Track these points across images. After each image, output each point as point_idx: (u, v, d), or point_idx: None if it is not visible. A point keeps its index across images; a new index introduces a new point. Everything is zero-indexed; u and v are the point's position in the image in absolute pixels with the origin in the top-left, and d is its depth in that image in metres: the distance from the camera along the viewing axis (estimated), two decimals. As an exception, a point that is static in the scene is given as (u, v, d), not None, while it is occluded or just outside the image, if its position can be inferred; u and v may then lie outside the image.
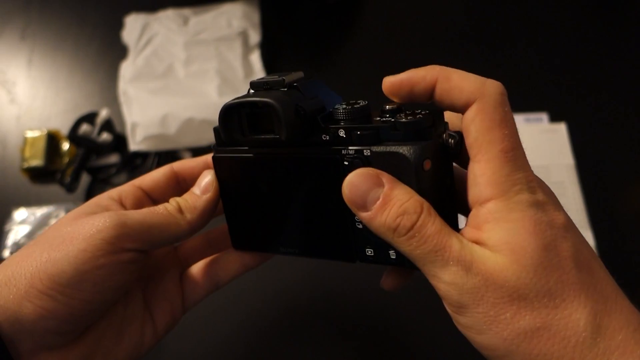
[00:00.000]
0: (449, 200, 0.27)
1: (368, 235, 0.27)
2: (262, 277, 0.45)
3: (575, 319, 0.22)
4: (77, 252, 0.26)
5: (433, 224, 0.23)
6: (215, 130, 0.31)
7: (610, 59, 0.63)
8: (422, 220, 0.23)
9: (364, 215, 0.25)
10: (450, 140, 0.25)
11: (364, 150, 0.25)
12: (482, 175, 0.24)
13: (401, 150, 0.24)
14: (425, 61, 0.69)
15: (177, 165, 0.35)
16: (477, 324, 0.23)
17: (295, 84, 0.27)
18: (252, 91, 0.28)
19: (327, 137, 0.27)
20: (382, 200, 0.24)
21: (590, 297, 0.22)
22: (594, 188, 0.53)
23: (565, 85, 0.61)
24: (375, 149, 0.25)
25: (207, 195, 0.31)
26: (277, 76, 0.28)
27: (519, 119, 0.58)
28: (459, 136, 0.25)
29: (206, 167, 0.34)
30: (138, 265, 0.29)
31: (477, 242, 0.24)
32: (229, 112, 0.28)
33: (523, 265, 0.22)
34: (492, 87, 0.25)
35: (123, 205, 0.32)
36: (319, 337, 0.48)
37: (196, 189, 0.32)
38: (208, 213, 0.31)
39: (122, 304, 0.31)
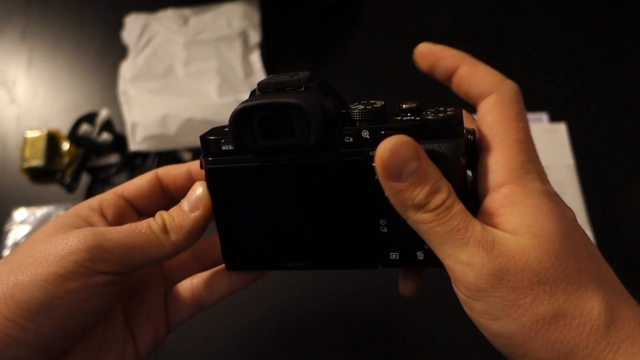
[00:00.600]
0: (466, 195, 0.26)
1: (394, 239, 0.26)
2: (262, 283, 0.45)
3: (590, 306, 0.22)
4: (47, 275, 0.24)
5: (459, 204, 0.23)
6: (203, 139, 0.28)
7: (611, 59, 0.63)
8: (451, 199, 0.23)
9: (394, 185, 0.23)
10: (470, 136, 0.26)
11: None
12: (497, 162, 0.24)
13: (439, 148, 0.24)
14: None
15: (161, 171, 0.32)
16: (493, 309, 0.22)
17: (310, 84, 0.26)
18: (259, 93, 0.26)
19: (350, 139, 0.25)
20: (418, 174, 0.23)
21: (602, 287, 0.22)
22: (594, 188, 0.53)
23: (565, 85, 0.61)
24: None
25: (196, 214, 0.28)
26: (288, 76, 0.26)
27: (519, 119, 0.58)
28: (474, 133, 0.26)
29: (190, 176, 0.31)
30: (116, 286, 0.27)
31: (493, 227, 0.24)
32: (242, 116, 0.25)
33: (545, 249, 0.22)
34: (510, 85, 0.26)
35: (104, 216, 0.30)
36: (320, 340, 0.48)
37: (185, 204, 0.28)
38: (196, 234, 0.28)
39: (101, 325, 0.29)
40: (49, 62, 0.69)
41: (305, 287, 0.50)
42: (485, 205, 0.25)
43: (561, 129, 0.57)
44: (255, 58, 0.63)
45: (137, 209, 0.32)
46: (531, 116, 0.58)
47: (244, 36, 0.64)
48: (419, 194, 0.23)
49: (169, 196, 0.32)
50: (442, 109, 0.25)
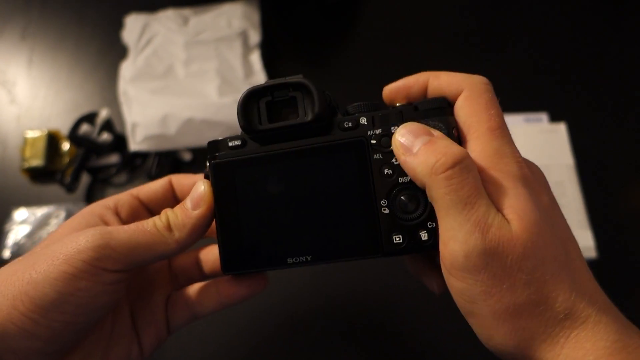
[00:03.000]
0: None
1: (396, 219, 0.26)
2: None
3: (555, 295, 0.22)
4: (58, 274, 0.25)
5: (475, 175, 0.23)
6: (212, 141, 0.30)
7: (611, 59, 0.63)
8: (465, 164, 0.23)
9: (406, 157, 0.25)
10: (454, 130, 0.27)
11: (392, 128, 0.27)
12: (472, 151, 0.25)
13: (432, 122, 0.26)
14: (425, 60, 0.70)
15: (174, 179, 0.34)
16: (471, 291, 0.23)
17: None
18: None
19: (350, 124, 0.28)
20: (429, 143, 0.24)
21: (569, 274, 0.23)
22: (594, 188, 0.53)
23: (565, 85, 0.61)
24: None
25: (199, 211, 0.28)
26: (299, 76, 0.28)
27: (519, 119, 0.58)
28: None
29: None
30: (123, 284, 0.28)
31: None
32: (249, 99, 0.28)
33: (529, 235, 0.23)
34: (477, 78, 0.27)
35: (118, 215, 0.31)
36: (320, 339, 0.48)
37: (188, 202, 0.29)
38: (199, 230, 0.29)
39: (109, 323, 0.31)
40: (49, 62, 0.69)
41: (305, 285, 0.50)
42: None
43: (561, 129, 0.57)
44: (255, 58, 0.63)
45: (151, 211, 0.33)
46: (531, 116, 0.58)
47: (244, 36, 0.64)
48: (428, 156, 0.24)
49: (180, 201, 0.33)
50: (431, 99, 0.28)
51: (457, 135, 0.26)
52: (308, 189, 0.28)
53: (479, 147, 0.25)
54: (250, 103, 0.28)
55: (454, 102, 0.27)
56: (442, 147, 0.24)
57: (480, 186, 0.23)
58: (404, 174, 0.26)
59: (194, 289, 0.34)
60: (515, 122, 0.57)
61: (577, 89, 0.61)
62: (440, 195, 0.23)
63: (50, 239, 0.29)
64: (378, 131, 0.27)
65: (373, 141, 0.27)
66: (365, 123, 0.27)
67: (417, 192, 0.26)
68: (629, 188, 0.55)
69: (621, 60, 0.63)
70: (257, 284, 0.33)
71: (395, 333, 0.48)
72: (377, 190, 0.27)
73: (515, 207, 0.23)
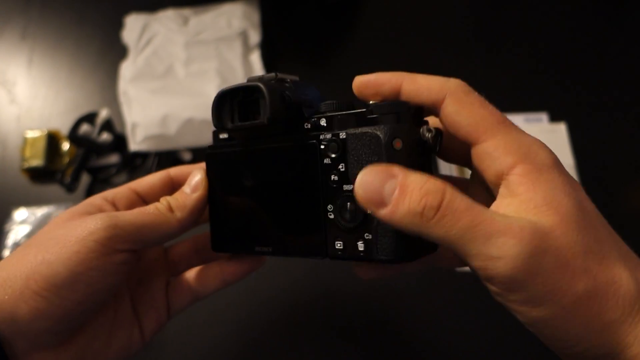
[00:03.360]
0: None
1: (339, 225, 0.26)
2: (258, 277, 0.45)
3: (618, 274, 0.22)
4: (71, 254, 0.26)
5: (462, 200, 0.22)
6: (213, 133, 0.32)
7: (611, 58, 0.63)
8: (449, 197, 0.22)
9: (384, 212, 0.23)
10: (427, 134, 0.26)
11: (340, 134, 0.26)
12: (496, 148, 0.24)
13: (372, 130, 0.25)
14: (425, 60, 0.69)
15: (173, 171, 0.36)
16: (533, 297, 0.21)
17: (288, 80, 0.29)
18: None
19: (309, 126, 0.28)
20: (400, 189, 0.22)
21: (621, 253, 0.23)
22: (594, 188, 0.53)
23: (565, 85, 0.61)
24: (351, 131, 0.26)
25: (197, 194, 0.32)
26: (273, 74, 0.29)
27: (519, 119, 0.58)
28: (437, 131, 0.26)
29: None
30: (130, 266, 0.29)
31: (516, 210, 0.23)
32: (222, 100, 0.30)
33: (568, 224, 0.22)
34: (456, 82, 0.26)
35: (116, 207, 0.33)
36: (318, 337, 0.48)
37: (186, 188, 0.32)
38: (198, 211, 0.32)
39: (112, 308, 0.32)
40: (49, 62, 0.69)
41: (302, 284, 0.50)
42: (504, 190, 0.24)
43: (561, 129, 0.57)
44: (255, 58, 0.63)
45: (147, 203, 0.34)
46: (531, 116, 0.58)
47: (244, 36, 0.64)
48: (409, 204, 0.22)
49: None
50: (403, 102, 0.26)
51: (400, 147, 0.25)
52: (270, 185, 0.29)
53: (502, 142, 0.24)
54: (223, 103, 0.30)
55: (436, 108, 0.26)
56: (419, 189, 0.22)
57: (475, 202, 0.22)
58: (349, 182, 0.26)
59: (194, 271, 0.35)
60: (515, 122, 0.56)
61: (577, 89, 0.61)
62: (444, 236, 0.22)
63: (53, 224, 0.30)
64: (328, 136, 0.27)
65: (322, 146, 0.27)
66: (325, 125, 0.27)
67: (357, 202, 0.24)
68: (629, 188, 0.55)
69: (621, 60, 0.63)
70: (256, 262, 0.35)
71: (395, 330, 0.48)
72: (324, 196, 0.27)
73: (553, 201, 0.22)
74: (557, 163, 0.24)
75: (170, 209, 0.31)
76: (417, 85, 0.26)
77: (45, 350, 0.28)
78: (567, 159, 0.55)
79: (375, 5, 0.70)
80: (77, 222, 0.28)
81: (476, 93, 0.26)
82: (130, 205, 0.33)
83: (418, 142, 0.26)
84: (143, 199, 0.34)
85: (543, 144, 0.25)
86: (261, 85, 0.27)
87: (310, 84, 0.30)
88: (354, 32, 0.68)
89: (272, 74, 0.29)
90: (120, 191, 0.34)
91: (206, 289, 0.35)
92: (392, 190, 0.22)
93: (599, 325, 0.21)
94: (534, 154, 0.24)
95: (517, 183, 0.23)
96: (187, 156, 0.59)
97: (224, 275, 0.34)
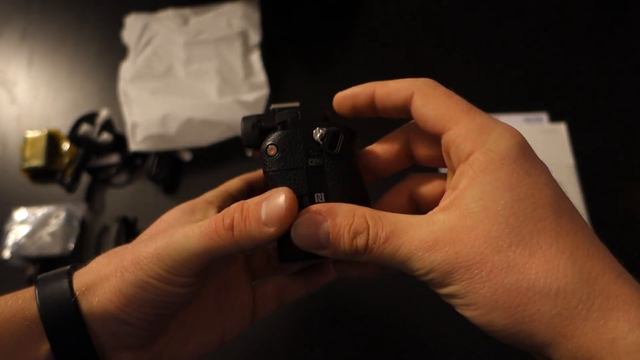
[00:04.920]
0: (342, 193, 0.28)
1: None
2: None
3: (554, 265, 0.21)
4: (145, 279, 0.26)
5: (383, 230, 0.24)
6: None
7: (611, 58, 0.63)
8: (372, 233, 0.24)
9: (326, 253, 0.25)
10: (317, 135, 0.27)
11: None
12: (458, 135, 0.25)
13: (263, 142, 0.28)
14: (425, 60, 0.69)
15: None
16: (457, 291, 0.23)
17: (277, 111, 0.30)
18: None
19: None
20: (332, 234, 0.25)
21: (569, 243, 0.22)
22: (594, 188, 0.53)
23: (565, 85, 0.61)
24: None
25: (270, 230, 0.25)
26: (297, 104, 0.31)
27: (519, 119, 0.58)
28: (328, 131, 0.27)
29: None
30: (201, 277, 0.28)
31: (448, 203, 0.24)
32: (245, 120, 0.31)
33: (494, 218, 0.22)
34: (423, 79, 0.27)
35: (233, 197, 0.34)
36: (319, 337, 0.48)
37: (263, 211, 0.26)
38: (262, 244, 0.27)
39: (195, 309, 0.32)
40: (49, 63, 0.69)
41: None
42: (453, 180, 0.25)
43: (561, 129, 0.57)
44: (255, 58, 0.63)
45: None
46: (531, 116, 0.58)
47: (244, 36, 0.64)
48: (345, 248, 0.25)
49: None
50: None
51: (274, 153, 0.27)
52: None
53: (463, 130, 0.24)
54: (246, 124, 0.31)
55: (404, 106, 0.27)
56: (348, 231, 0.24)
57: (397, 222, 0.24)
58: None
59: (283, 280, 0.35)
60: (515, 122, 0.57)
61: (577, 89, 0.61)
62: (379, 262, 0.24)
63: (154, 228, 0.31)
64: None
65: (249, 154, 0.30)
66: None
67: None
68: (629, 188, 0.55)
69: (621, 60, 0.63)
70: (326, 270, 0.35)
71: (395, 330, 0.48)
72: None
73: (484, 198, 0.23)
74: (513, 151, 0.23)
75: (232, 227, 0.26)
76: (388, 89, 0.28)
77: (129, 350, 0.29)
78: (567, 159, 0.55)
79: (375, 5, 0.70)
80: (149, 242, 0.27)
81: (443, 87, 0.27)
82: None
83: (307, 145, 0.28)
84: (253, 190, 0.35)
85: (509, 128, 0.24)
86: (241, 120, 0.30)
87: (313, 109, 0.30)
88: (354, 32, 0.68)
89: (296, 104, 0.30)
90: (234, 183, 0.34)
91: (291, 296, 0.35)
92: (326, 236, 0.25)
93: (523, 314, 0.21)
94: (492, 141, 0.24)
95: (461, 174, 0.24)
96: (187, 156, 0.59)
97: (307, 285, 0.35)
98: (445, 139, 0.25)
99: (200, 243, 0.26)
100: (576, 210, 0.24)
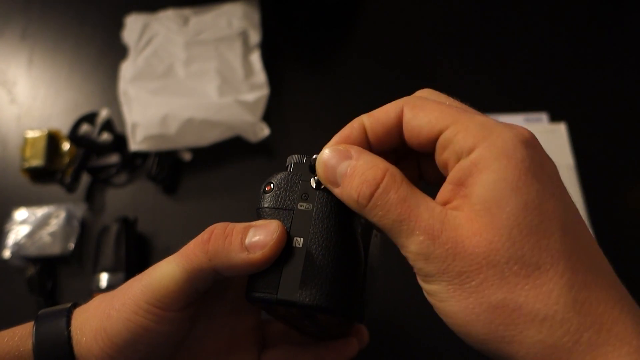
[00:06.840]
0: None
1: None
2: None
3: (547, 290, 0.20)
4: (130, 316, 0.26)
5: (396, 192, 0.22)
6: None
7: (611, 58, 0.63)
8: (382, 188, 0.23)
9: (336, 191, 0.25)
10: (312, 182, 0.27)
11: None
12: (457, 133, 0.22)
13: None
14: (425, 60, 0.69)
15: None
16: (440, 291, 0.22)
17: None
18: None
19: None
20: (349, 172, 0.24)
21: (570, 266, 0.20)
22: (594, 188, 0.53)
23: (565, 85, 0.61)
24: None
25: (256, 256, 0.26)
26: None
27: (519, 119, 0.58)
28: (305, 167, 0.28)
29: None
30: (191, 310, 0.28)
31: (458, 203, 0.22)
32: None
33: (497, 228, 0.20)
34: (411, 96, 0.26)
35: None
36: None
37: (248, 237, 0.26)
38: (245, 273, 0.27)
39: None
40: (49, 62, 0.69)
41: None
42: (453, 175, 0.23)
43: (561, 129, 0.57)
44: (255, 58, 0.63)
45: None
46: (531, 116, 0.58)
47: (244, 36, 0.64)
48: (350, 190, 0.24)
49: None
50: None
51: (270, 189, 0.28)
52: None
53: (464, 126, 0.22)
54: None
55: (397, 124, 0.25)
56: (360, 175, 0.23)
57: (413, 194, 0.22)
58: None
59: (291, 349, 0.34)
60: (515, 122, 0.56)
61: (577, 89, 0.61)
62: (377, 222, 0.23)
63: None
64: None
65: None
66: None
67: None
68: (629, 188, 0.55)
69: (621, 60, 0.63)
70: (350, 346, 0.35)
71: (395, 329, 0.48)
72: None
73: (489, 202, 0.21)
74: (520, 148, 0.22)
75: (216, 257, 0.26)
76: (376, 116, 0.25)
77: None
78: (567, 159, 0.55)
79: (375, 5, 0.70)
80: (140, 278, 0.27)
81: (437, 95, 0.25)
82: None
83: (303, 189, 0.28)
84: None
85: (513, 126, 0.23)
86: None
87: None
88: (354, 32, 0.68)
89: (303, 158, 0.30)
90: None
91: None
92: (344, 172, 0.24)
93: (507, 337, 0.20)
94: (496, 135, 0.22)
95: (466, 171, 0.22)
96: (187, 156, 0.59)
97: (318, 358, 0.33)
98: (441, 139, 0.23)
99: (179, 265, 0.26)
100: (583, 223, 0.22)
